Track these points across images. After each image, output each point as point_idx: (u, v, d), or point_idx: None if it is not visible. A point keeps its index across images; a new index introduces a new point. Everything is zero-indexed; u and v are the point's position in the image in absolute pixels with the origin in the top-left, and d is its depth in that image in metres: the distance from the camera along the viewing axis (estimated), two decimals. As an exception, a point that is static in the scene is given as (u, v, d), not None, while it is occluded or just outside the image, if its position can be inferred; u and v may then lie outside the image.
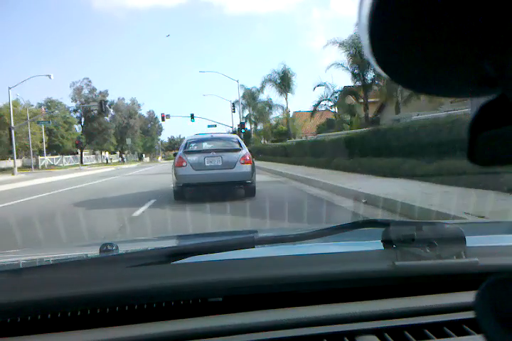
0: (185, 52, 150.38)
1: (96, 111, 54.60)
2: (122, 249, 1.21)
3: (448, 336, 0.83)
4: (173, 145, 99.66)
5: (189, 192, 8.80)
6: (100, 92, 61.39)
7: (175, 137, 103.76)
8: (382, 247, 1.00)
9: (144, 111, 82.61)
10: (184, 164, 8.70)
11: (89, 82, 61.33)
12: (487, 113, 0.33)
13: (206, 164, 8.73)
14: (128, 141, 47.58)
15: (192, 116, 41.63)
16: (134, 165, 47.89)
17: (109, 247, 1.12)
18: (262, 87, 41.91)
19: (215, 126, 44.53)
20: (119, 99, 69.24)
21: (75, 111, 60.17)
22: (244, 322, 0.85)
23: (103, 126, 60.38)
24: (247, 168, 8.82)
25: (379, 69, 0.32)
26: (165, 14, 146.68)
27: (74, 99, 59.81)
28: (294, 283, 0.93)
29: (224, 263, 0.99)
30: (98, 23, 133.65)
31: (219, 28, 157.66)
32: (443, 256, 0.93)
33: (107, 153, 69.24)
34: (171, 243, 1.74)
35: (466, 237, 0.95)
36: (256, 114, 48.38)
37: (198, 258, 0.96)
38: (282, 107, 44.43)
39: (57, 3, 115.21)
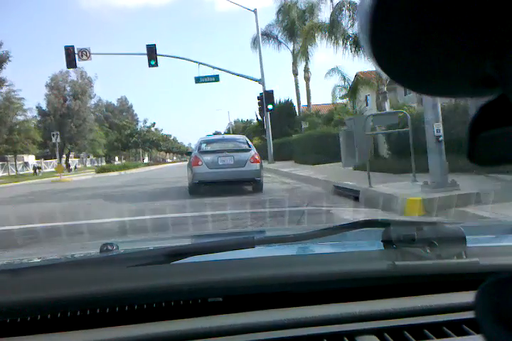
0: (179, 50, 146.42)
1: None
2: (122, 248, 1.21)
3: (448, 336, 0.83)
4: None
5: (203, 187, 9.66)
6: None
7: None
8: (382, 247, 1.01)
9: (113, 99, 61.94)
10: (200, 163, 9.71)
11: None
12: (487, 113, 0.33)
13: (220, 163, 9.73)
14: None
15: (151, 55, 18.34)
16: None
17: (109, 247, 1.12)
18: None
19: (216, 78, 21.54)
20: (60, 72, 43.48)
21: None
22: (245, 322, 0.85)
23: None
24: (257, 166, 9.83)
25: (379, 69, 0.31)
26: (155, 12, 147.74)
27: None
28: (294, 282, 0.94)
29: (224, 263, 0.99)
30: (87, 20, 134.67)
31: (210, 24, 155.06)
32: (443, 256, 0.94)
33: (31, 157, 43.36)
34: (171, 243, 1.73)
35: (467, 237, 0.96)
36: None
37: (198, 258, 0.96)
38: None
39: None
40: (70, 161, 46.52)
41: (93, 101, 48.67)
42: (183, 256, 0.94)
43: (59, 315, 0.84)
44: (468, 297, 0.60)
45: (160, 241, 1.91)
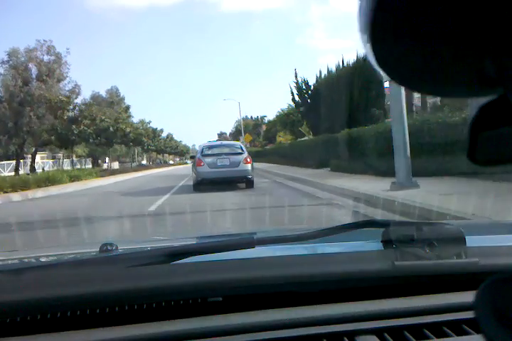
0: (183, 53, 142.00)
1: None
2: (122, 249, 1.20)
3: (448, 336, 0.83)
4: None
5: (204, 184, 12.00)
6: None
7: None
8: (381, 247, 1.01)
9: (101, 89, 49.78)
10: (202, 164, 12.04)
11: None
12: (487, 113, 0.33)
13: (218, 164, 12.04)
14: None
15: None
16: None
17: (109, 247, 1.12)
18: None
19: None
20: (26, 49, 30.97)
21: None
22: (244, 321, 0.85)
23: None
24: (248, 166, 12.15)
25: (378, 68, 0.31)
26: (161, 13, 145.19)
27: None
28: (294, 282, 0.94)
29: (224, 263, 0.99)
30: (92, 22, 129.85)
31: (215, 25, 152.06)
32: (443, 256, 0.94)
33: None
34: (171, 243, 1.71)
35: (466, 237, 0.96)
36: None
37: (198, 259, 0.95)
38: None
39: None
40: (40, 162, 34.87)
41: (68, 88, 32.87)
42: (183, 256, 0.94)
43: (59, 314, 0.84)
44: (468, 297, 0.60)
45: (160, 241, 1.90)
